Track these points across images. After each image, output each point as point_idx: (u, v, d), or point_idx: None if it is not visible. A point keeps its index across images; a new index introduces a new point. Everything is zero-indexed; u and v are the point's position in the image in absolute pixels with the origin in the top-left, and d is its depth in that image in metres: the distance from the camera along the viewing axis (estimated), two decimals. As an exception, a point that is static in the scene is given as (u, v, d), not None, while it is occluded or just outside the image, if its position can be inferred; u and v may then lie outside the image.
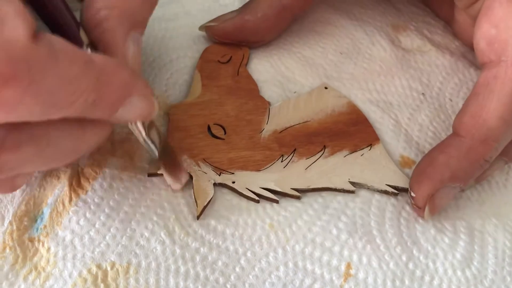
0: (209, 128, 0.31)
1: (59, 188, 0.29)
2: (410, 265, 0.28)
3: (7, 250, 0.27)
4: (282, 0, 0.34)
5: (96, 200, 0.29)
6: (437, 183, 0.28)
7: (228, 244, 0.28)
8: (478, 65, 0.37)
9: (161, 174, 0.29)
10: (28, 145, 0.22)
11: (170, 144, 0.30)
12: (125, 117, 0.24)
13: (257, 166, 0.30)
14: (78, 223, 0.28)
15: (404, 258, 0.28)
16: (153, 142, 0.27)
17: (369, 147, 0.31)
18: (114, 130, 0.31)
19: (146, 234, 0.28)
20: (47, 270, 0.27)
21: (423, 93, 0.35)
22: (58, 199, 0.29)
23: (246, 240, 0.28)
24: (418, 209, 0.29)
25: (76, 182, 0.29)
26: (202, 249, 0.28)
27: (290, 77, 0.35)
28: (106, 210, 0.28)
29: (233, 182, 0.29)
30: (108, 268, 0.27)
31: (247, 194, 0.29)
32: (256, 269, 0.27)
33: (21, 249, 0.27)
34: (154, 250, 0.27)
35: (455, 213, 0.30)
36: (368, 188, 0.30)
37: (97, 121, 0.24)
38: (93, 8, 0.24)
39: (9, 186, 0.25)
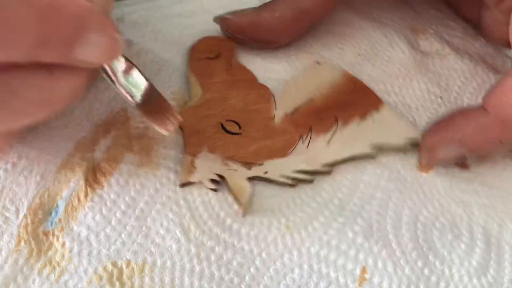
0: (223, 126, 0.31)
1: (74, 182, 0.29)
2: (426, 271, 0.28)
3: (22, 243, 0.27)
4: (300, 3, 0.34)
5: (112, 196, 0.29)
6: (445, 139, 0.30)
7: (243, 243, 0.28)
8: (497, 69, 0.36)
9: (194, 183, 0.29)
10: None
11: (154, 88, 0.27)
12: (86, 59, 0.22)
13: (282, 152, 0.30)
14: (93, 219, 0.28)
15: (419, 263, 0.28)
16: (129, 88, 0.25)
17: (376, 110, 0.32)
18: (131, 125, 0.31)
19: (162, 232, 0.28)
20: (62, 265, 0.27)
21: (441, 97, 0.35)
22: (73, 193, 0.29)
23: (262, 240, 0.28)
24: (420, 156, 0.31)
25: (92, 176, 0.29)
26: (217, 248, 0.28)
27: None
28: (122, 207, 0.28)
29: (265, 173, 0.29)
30: (124, 266, 0.27)
31: (282, 181, 0.29)
32: (271, 270, 0.27)
33: (35, 243, 0.27)
34: (169, 248, 0.27)
35: (472, 218, 0.30)
36: (389, 146, 0.31)
37: (66, 66, 0.22)
38: None
39: None
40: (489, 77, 0.36)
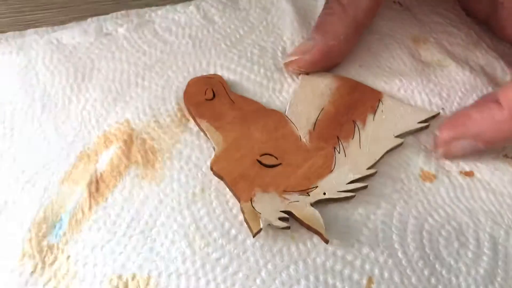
0: (260, 162, 0.30)
1: (77, 194, 0.29)
2: (433, 280, 0.28)
3: (26, 257, 0.27)
4: (356, 17, 0.34)
5: (116, 208, 0.29)
6: (460, 134, 0.31)
7: (249, 254, 0.28)
8: (497, 82, 0.36)
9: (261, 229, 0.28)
10: None
11: None
12: None
13: (328, 169, 0.30)
14: (98, 232, 0.28)
15: (426, 272, 0.28)
16: None
17: (380, 103, 0.33)
18: (135, 135, 0.31)
19: (167, 244, 0.28)
20: (67, 279, 0.26)
21: (442, 108, 0.35)
22: (77, 206, 0.28)
23: (267, 251, 0.28)
24: (436, 147, 0.32)
25: (95, 188, 0.29)
26: (222, 259, 0.27)
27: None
28: (127, 219, 0.28)
29: (324, 194, 0.29)
30: (129, 280, 0.27)
31: (342, 196, 0.29)
32: (277, 282, 0.27)
33: (40, 257, 0.27)
34: (174, 260, 0.27)
35: (478, 225, 0.30)
36: (409, 132, 0.33)
37: None
38: None
39: None
40: (488, 90, 0.36)
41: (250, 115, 0.32)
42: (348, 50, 0.36)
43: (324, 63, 0.35)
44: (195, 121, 0.32)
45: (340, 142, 0.31)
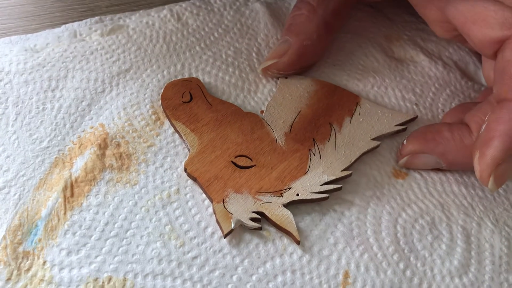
0: (234, 163, 0.31)
1: (52, 200, 0.29)
2: (408, 273, 0.28)
3: (1, 265, 0.27)
4: (325, 17, 0.35)
5: (91, 212, 0.29)
6: (426, 149, 0.31)
7: (225, 252, 0.28)
8: (470, 76, 0.37)
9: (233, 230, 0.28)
10: None
11: None
12: None
13: (302, 170, 0.30)
14: (74, 236, 0.28)
15: (401, 265, 0.28)
16: None
17: (358, 106, 0.34)
18: (109, 140, 0.31)
19: (142, 246, 0.28)
20: (43, 285, 0.26)
21: (416, 104, 0.35)
22: (53, 212, 0.28)
23: (243, 248, 0.28)
24: (399, 155, 0.32)
25: (70, 193, 0.29)
26: (198, 258, 0.28)
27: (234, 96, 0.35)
28: (102, 223, 0.28)
29: (297, 195, 0.29)
30: (106, 282, 0.26)
31: (316, 198, 0.29)
32: (254, 278, 0.27)
33: (15, 264, 0.27)
34: (150, 261, 0.27)
35: (451, 218, 0.30)
36: (386, 135, 0.33)
37: None
38: None
39: None
40: (461, 85, 0.37)
41: (226, 117, 0.33)
42: (322, 49, 0.36)
43: (301, 64, 0.35)
44: (171, 123, 0.32)
45: (315, 144, 0.32)
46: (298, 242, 0.28)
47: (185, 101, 0.33)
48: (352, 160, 0.31)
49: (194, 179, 0.30)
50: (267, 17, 0.39)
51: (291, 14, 0.36)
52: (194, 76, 0.35)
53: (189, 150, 0.31)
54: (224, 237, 0.28)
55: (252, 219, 0.28)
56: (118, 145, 0.31)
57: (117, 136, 0.31)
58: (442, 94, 0.36)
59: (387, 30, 0.39)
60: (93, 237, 0.28)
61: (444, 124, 0.31)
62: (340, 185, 0.30)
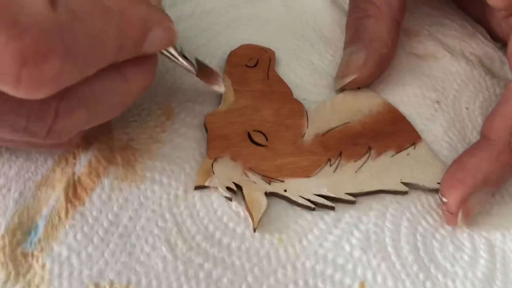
0: (249, 135, 0.30)
1: (54, 199, 0.27)
2: (428, 284, 0.26)
3: (-1, 266, 0.25)
4: (394, 16, 0.32)
5: (94, 213, 0.27)
6: (470, 187, 0.27)
7: (234, 259, 0.26)
8: (494, 73, 0.35)
9: (208, 187, 0.28)
10: (80, 108, 0.23)
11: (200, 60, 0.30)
12: (150, 51, 0.25)
13: (306, 172, 0.29)
14: (75, 238, 0.26)
15: (421, 276, 0.26)
16: (187, 61, 0.29)
17: (413, 146, 0.31)
18: (114, 136, 0.30)
19: (147, 249, 0.26)
20: (41, 288, 0.25)
21: (437, 101, 0.33)
22: (54, 211, 0.27)
23: (253, 255, 0.27)
24: (451, 215, 0.27)
25: (73, 192, 0.28)
26: (206, 264, 0.26)
27: (298, 84, 0.33)
28: (105, 224, 0.27)
29: (285, 191, 0.28)
30: (107, 287, 0.25)
31: (301, 202, 0.28)
32: (264, 287, 0.26)
33: (13, 265, 0.25)
34: (155, 266, 0.26)
35: (473, 228, 0.28)
36: (420, 187, 0.29)
37: (137, 68, 0.25)
38: None
39: (68, 145, 0.27)
40: (486, 81, 0.35)
41: (272, 94, 0.32)
42: (396, 53, 0.33)
43: (378, 75, 0.33)
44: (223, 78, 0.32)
45: (339, 158, 0.30)
46: (254, 230, 0.27)
47: (249, 65, 0.33)
48: (365, 190, 0.29)
49: (206, 131, 0.30)
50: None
51: (352, 17, 0.33)
52: (272, 48, 0.35)
53: (221, 102, 0.31)
54: (194, 189, 0.28)
55: (228, 188, 0.27)
56: (124, 142, 0.30)
57: (123, 133, 0.30)
58: (465, 91, 0.34)
59: (406, 23, 0.37)
60: (95, 239, 0.26)
61: (463, 154, 0.29)
62: (333, 205, 0.28)
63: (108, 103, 0.25)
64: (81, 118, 0.24)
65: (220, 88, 0.31)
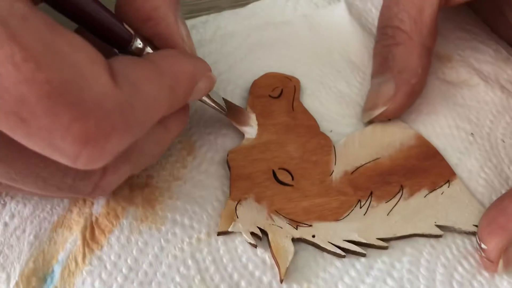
0: (274, 174, 0.28)
1: (71, 242, 0.26)
2: (466, 338, 0.25)
3: (14, 316, 0.24)
4: (424, 43, 0.30)
5: (112, 257, 0.26)
6: (506, 236, 0.25)
7: (260, 310, 0.25)
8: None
9: (232, 232, 0.27)
10: (124, 164, 0.23)
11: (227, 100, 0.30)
12: (194, 99, 0.26)
13: (335, 215, 0.27)
14: (92, 285, 0.25)
15: (459, 329, 0.25)
16: (217, 104, 0.28)
17: (447, 184, 0.29)
18: (133, 175, 0.28)
19: (168, 298, 0.25)
20: None
21: (472, 133, 0.32)
22: (70, 255, 0.26)
23: (279, 307, 0.25)
24: (490, 263, 0.26)
25: (90, 234, 0.26)
26: (230, 316, 0.25)
27: (324, 114, 0.32)
28: (124, 270, 0.26)
29: (313, 236, 0.26)
30: None
31: (331, 249, 0.26)
32: None
33: (29, 315, 0.24)
34: (177, 318, 0.24)
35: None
36: (455, 230, 0.27)
37: (176, 115, 0.25)
38: (137, 1, 0.24)
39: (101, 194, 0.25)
40: (523, 110, 0.33)
41: (297, 128, 0.30)
42: (426, 79, 0.32)
43: (409, 106, 0.31)
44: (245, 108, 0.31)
45: (370, 198, 0.28)
46: (281, 281, 0.25)
47: (273, 95, 0.32)
48: (398, 235, 0.27)
49: (229, 168, 0.29)
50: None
51: (380, 44, 0.32)
52: (297, 75, 0.33)
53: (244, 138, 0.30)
54: (218, 235, 0.27)
55: (253, 234, 0.26)
56: (143, 179, 0.28)
57: (143, 171, 0.28)
58: (501, 122, 0.32)
59: (438, 48, 0.35)
60: (114, 286, 0.25)
61: (503, 197, 0.27)
62: (365, 252, 0.26)
63: (151, 153, 0.25)
64: (126, 171, 0.24)
65: (252, 131, 0.30)
